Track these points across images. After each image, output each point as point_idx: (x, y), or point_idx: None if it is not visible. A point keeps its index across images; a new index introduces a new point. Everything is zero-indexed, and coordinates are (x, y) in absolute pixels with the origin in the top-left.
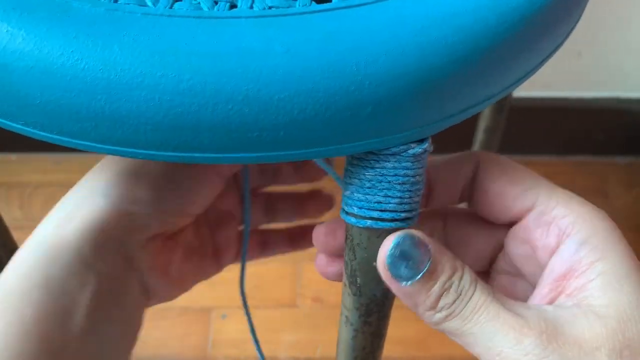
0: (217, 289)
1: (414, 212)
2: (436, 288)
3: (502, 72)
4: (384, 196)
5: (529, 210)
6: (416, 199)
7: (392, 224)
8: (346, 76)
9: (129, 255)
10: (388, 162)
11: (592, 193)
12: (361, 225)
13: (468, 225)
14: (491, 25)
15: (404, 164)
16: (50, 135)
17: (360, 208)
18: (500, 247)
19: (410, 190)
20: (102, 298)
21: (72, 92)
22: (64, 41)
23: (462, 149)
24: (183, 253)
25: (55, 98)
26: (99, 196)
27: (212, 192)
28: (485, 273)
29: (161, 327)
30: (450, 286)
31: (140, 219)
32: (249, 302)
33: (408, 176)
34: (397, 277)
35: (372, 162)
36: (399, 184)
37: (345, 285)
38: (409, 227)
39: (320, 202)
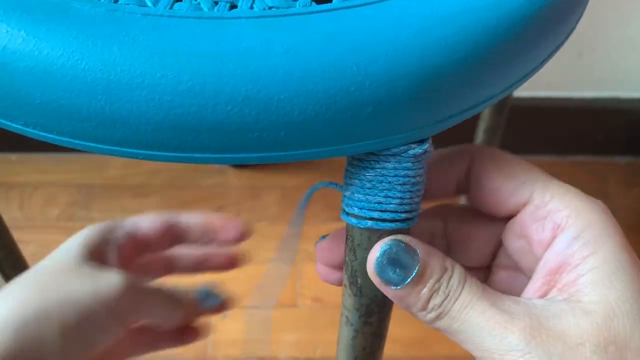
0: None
1: (414, 213)
2: (425, 290)
3: (502, 73)
4: (384, 197)
5: (524, 204)
6: (417, 200)
7: (393, 225)
8: (346, 77)
9: None
10: (388, 162)
11: (592, 193)
12: (362, 226)
13: (468, 222)
14: (491, 26)
15: (404, 165)
16: (50, 136)
17: (360, 209)
18: (500, 242)
19: (410, 191)
20: None
21: (72, 93)
22: (64, 41)
23: None
24: None
25: (55, 98)
26: (10, 332)
27: (113, 339)
28: (488, 268)
29: None
30: (439, 287)
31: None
32: (249, 302)
33: (408, 177)
34: (387, 282)
35: (372, 162)
36: (400, 184)
37: (345, 286)
38: (409, 228)
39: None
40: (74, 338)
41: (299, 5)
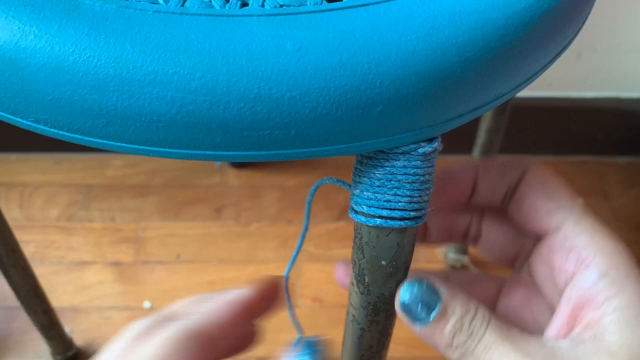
0: (218, 289)
1: (423, 211)
2: (449, 327)
3: (511, 72)
4: (393, 195)
5: (555, 230)
6: (425, 198)
7: (402, 223)
8: (357, 75)
9: None
10: (398, 160)
11: (592, 193)
12: (370, 224)
13: (503, 222)
14: (501, 26)
15: (413, 163)
16: (61, 133)
17: (369, 207)
18: (525, 254)
19: (419, 189)
20: None
21: (84, 89)
22: (76, 38)
23: (465, 149)
24: None
25: (66, 95)
26: None
27: None
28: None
29: None
30: (462, 326)
31: None
32: None
33: (418, 175)
34: (412, 320)
35: (381, 160)
36: (409, 182)
37: (352, 284)
38: (417, 226)
39: None
40: None
41: (310, 4)
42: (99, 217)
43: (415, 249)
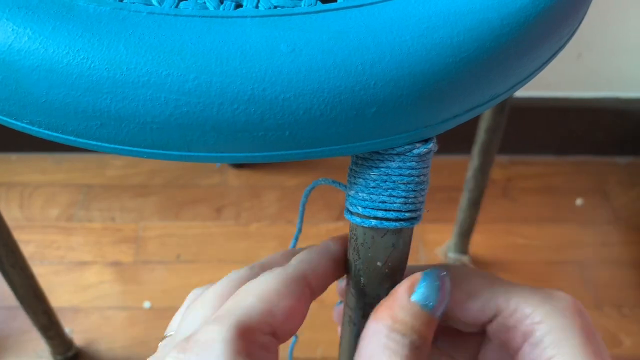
0: None
1: (418, 212)
2: None
3: (507, 72)
4: (388, 196)
5: (495, 316)
6: (421, 199)
7: (397, 224)
8: (351, 76)
9: None
10: (393, 161)
11: (592, 193)
12: (366, 225)
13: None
14: (496, 26)
15: (408, 164)
16: (56, 134)
17: (364, 208)
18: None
19: (414, 190)
20: None
21: (78, 91)
22: (70, 40)
23: (464, 149)
24: None
25: (60, 97)
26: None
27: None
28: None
29: (163, 328)
30: None
31: None
32: None
33: (413, 176)
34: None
35: (376, 161)
36: (404, 183)
37: (348, 285)
38: (413, 227)
39: None
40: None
41: (305, 5)
42: (99, 217)
43: (415, 249)
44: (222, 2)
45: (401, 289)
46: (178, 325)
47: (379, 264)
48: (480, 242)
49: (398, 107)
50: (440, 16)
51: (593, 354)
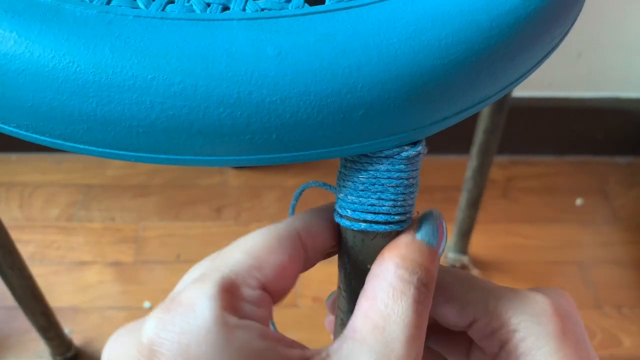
0: None
1: (407, 215)
2: None
3: (496, 75)
4: (377, 199)
5: (473, 322)
6: (410, 202)
7: (386, 227)
8: (338, 79)
9: None
10: (381, 164)
11: (592, 193)
12: (355, 228)
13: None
14: (484, 29)
15: (397, 167)
16: (43, 138)
17: (354, 211)
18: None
19: (404, 193)
20: None
21: (64, 95)
22: (56, 44)
23: (463, 149)
24: None
25: (46, 101)
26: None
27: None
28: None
29: None
30: None
31: None
32: None
33: (402, 179)
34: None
35: (365, 164)
36: (393, 186)
37: (339, 288)
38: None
39: None
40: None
41: (292, 7)
42: (99, 217)
43: None
44: (209, 5)
45: (405, 231)
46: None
47: (369, 266)
48: (480, 242)
49: (386, 110)
50: (428, 18)
51: (569, 358)
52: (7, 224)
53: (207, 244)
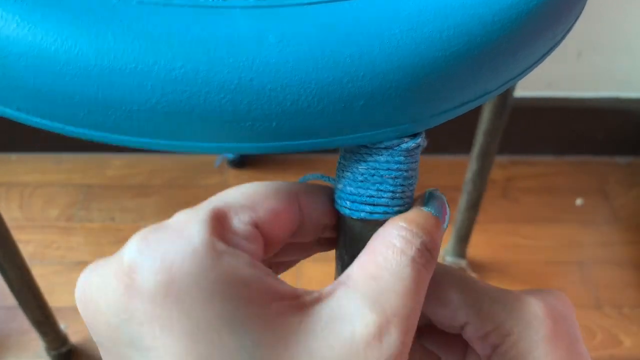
0: None
1: (406, 207)
2: None
3: (498, 69)
4: (376, 190)
5: (464, 326)
6: (409, 194)
7: (385, 216)
8: (339, 68)
9: None
10: (381, 155)
11: (592, 193)
12: (354, 217)
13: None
14: (487, 22)
15: (396, 158)
16: (43, 121)
17: (352, 202)
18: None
19: (402, 185)
20: None
21: (65, 78)
22: (58, 27)
23: (464, 149)
24: None
25: (48, 83)
26: None
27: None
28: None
29: None
30: None
31: None
32: None
33: (401, 170)
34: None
35: (364, 155)
36: (392, 178)
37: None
38: None
39: None
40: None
41: None
42: (98, 217)
43: None
44: None
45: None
46: None
47: None
48: (480, 243)
49: (386, 100)
50: (430, 10)
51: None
52: (7, 224)
53: None
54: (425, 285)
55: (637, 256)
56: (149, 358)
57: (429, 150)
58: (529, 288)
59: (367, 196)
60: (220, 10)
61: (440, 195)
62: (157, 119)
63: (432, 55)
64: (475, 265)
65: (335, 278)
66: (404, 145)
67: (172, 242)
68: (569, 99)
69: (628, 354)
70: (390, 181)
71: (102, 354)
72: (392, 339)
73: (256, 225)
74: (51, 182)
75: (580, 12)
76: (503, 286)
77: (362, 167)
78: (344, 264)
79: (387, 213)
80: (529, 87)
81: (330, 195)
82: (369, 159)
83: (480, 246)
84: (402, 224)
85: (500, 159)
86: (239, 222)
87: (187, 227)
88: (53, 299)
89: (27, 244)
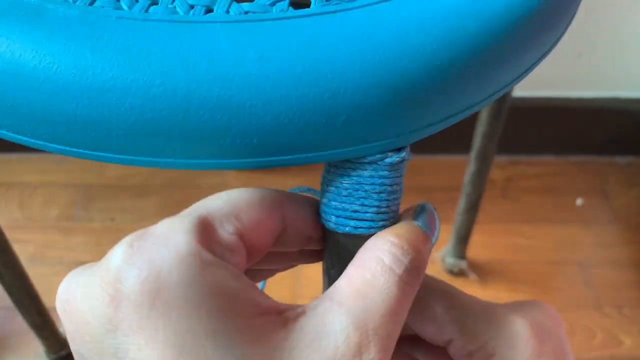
0: None
1: (392, 221)
2: None
3: (482, 82)
4: (360, 205)
5: (449, 343)
6: (394, 208)
7: (371, 231)
8: (320, 83)
9: None
10: (365, 170)
11: (592, 193)
12: (340, 231)
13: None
14: (471, 34)
15: (381, 173)
16: (24, 139)
17: (337, 217)
18: None
19: (387, 199)
20: None
21: (44, 96)
22: (37, 44)
23: (461, 152)
24: None
25: (27, 101)
26: None
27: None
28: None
29: None
30: None
31: None
32: None
33: (385, 185)
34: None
35: (348, 170)
36: (376, 192)
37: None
38: None
39: None
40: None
41: (276, 11)
42: (98, 217)
43: None
44: (192, 7)
45: (403, 218)
46: None
47: None
48: (480, 243)
49: (369, 115)
50: (413, 24)
51: None
52: (6, 224)
53: None
54: (409, 304)
55: (637, 256)
56: None
57: (428, 150)
58: (528, 288)
59: (352, 211)
60: (200, 26)
61: (432, 209)
62: (136, 137)
63: (414, 70)
64: (475, 266)
65: (324, 291)
66: (387, 160)
67: (158, 251)
68: (569, 99)
69: (628, 354)
70: (375, 196)
71: None
72: (371, 357)
73: (240, 235)
74: (51, 182)
75: (570, 22)
76: (503, 286)
77: (346, 182)
78: (330, 278)
79: (372, 228)
80: (528, 87)
81: (316, 206)
82: (353, 173)
83: (480, 246)
84: (392, 239)
85: (500, 159)
86: (224, 232)
87: (173, 236)
88: (53, 300)
89: (27, 244)
